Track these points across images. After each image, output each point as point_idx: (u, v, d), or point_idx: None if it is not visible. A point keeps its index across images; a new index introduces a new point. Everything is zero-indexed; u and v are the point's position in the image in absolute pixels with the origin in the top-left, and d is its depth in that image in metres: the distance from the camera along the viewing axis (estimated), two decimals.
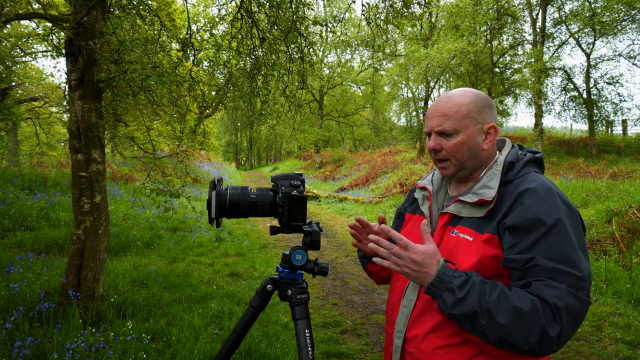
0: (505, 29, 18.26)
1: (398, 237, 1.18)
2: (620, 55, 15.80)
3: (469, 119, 1.28)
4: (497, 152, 1.36)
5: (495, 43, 18.54)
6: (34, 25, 12.77)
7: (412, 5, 4.75)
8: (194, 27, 14.12)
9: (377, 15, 5.03)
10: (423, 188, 1.49)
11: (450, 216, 1.31)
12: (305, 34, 4.97)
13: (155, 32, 5.28)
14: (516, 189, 1.22)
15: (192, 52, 5.23)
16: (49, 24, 4.41)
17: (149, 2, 5.55)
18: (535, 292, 1.09)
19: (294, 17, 4.68)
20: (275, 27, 4.78)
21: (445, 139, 1.30)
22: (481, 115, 1.30)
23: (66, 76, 3.61)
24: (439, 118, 1.30)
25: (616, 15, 13.73)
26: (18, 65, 13.85)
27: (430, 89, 19.90)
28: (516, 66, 19.73)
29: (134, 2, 4.64)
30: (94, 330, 3.18)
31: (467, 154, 1.30)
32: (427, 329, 1.26)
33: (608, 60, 16.04)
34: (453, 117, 1.28)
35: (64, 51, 3.54)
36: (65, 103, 16.53)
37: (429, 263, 1.16)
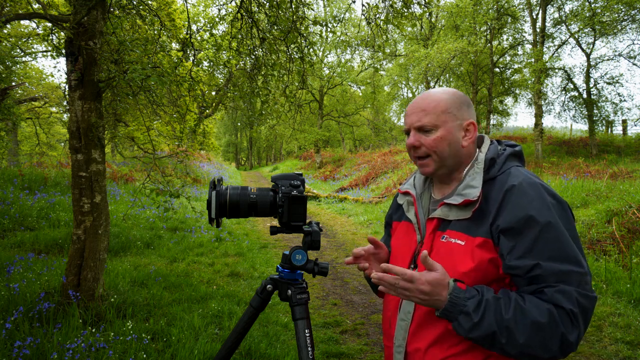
0: (505, 29, 18.27)
1: (401, 272, 1.13)
2: (620, 55, 15.81)
3: (447, 114, 1.28)
4: (477, 149, 1.34)
5: (495, 43, 18.55)
6: (34, 25, 12.77)
7: (412, 5, 4.75)
8: (194, 27, 14.13)
9: (377, 15, 5.03)
10: (406, 193, 1.45)
11: (438, 221, 1.28)
12: (305, 34, 4.97)
13: (155, 32, 5.28)
14: (501, 186, 1.21)
15: (192, 52, 5.23)
16: (49, 24, 4.41)
17: (149, 2, 5.55)
18: (550, 299, 1.08)
19: (294, 17, 4.68)
20: (275, 27, 4.78)
21: (424, 135, 1.28)
22: (460, 112, 1.29)
23: (66, 76, 3.61)
24: (418, 114, 1.29)
25: (616, 15, 13.73)
26: (18, 65, 13.86)
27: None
28: (516, 66, 19.75)
29: (134, 2, 4.64)
30: (94, 330, 3.18)
31: (447, 150, 1.28)
32: (428, 342, 1.23)
33: (608, 60, 16.05)
34: (432, 113, 1.27)
35: (64, 51, 3.54)
36: (65, 103, 16.53)
37: (439, 290, 1.12)
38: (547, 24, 15.81)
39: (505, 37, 19.09)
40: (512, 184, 1.19)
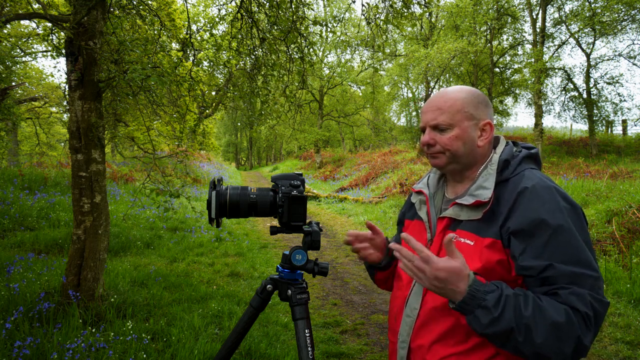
0: (505, 29, 18.27)
1: (419, 248, 1.09)
2: (620, 55, 15.81)
3: (463, 113, 1.27)
4: (492, 150, 1.33)
5: (495, 43, 18.54)
6: (34, 25, 12.77)
7: (412, 5, 4.75)
8: (194, 27, 14.12)
9: (377, 15, 5.03)
10: (419, 192, 1.45)
11: (449, 220, 1.28)
12: (305, 34, 4.97)
13: (155, 32, 5.28)
14: (514, 188, 1.20)
15: (192, 52, 5.23)
16: (49, 24, 4.41)
17: (149, 2, 5.55)
18: (565, 301, 1.07)
19: (294, 17, 4.68)
20: (275, 27, 4.78)
21: (439, 134, 1.28)
22: (477, 111, 1.28)
23: (66, 76, 3.61)
24: (434, 112, 1.29)
25: (616, 15, 13.74)
26: (18, 65, 13.85)
27: (430, 89, 19.90)
28: (516, 66, 19.74)
29: (134, 2, 4.64)
30: (94, 330, 3.18)
31: (462, 148, 1.27)
32: (432, 339, 1.23)
33: (608, 60, 16.07)
34: (447, 111, 1.27)
35: (64, 51, 3.54)
36: (65, 103, 16.52)
37: (455, 280, 1.08)
38: (547, 24, 15.81)
39: (505, 37, 19.09)
40: (525, 186, 1.18)
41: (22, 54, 13.76)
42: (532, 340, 1.05)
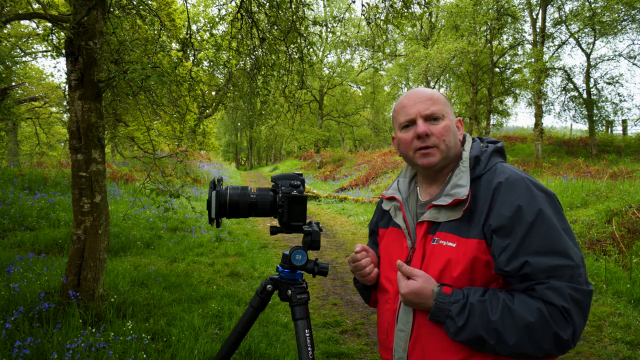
0: (505, 29, 18.28)
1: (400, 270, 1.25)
2: (620, 55, 15.81)
3: (447, 106, 1.31)
4: (462, 148, 1.33)
5: (495, 43, 18.55)
6: (34, 25, 12.76)
7: (412, 5, 4.75)
8: (194, 27, 14.11)
9: (377, 15, 5.03)
10: (391, 198, 1.41)
11: (428, 224, 1.26)
12: (305, 34, 4.97)
13: (155, 32, 5.28)
14: (489, 185, 1.19)
15: (192, 52, 5.23)
16: (49, 24, 4.41)
17: (149, 2, 5.55)
18: (541, 296, 1.07)
19: (294, 17, 4.68)
20: (275, 27, 4.78)
21: (433, 123, 1.26)
22: (451, 109, 1.33)
23: (66, 76, 3.61)
24: (425, 103, 1.27)
25: (616, 15, 13.74)
26: (18, 65, 13.84)
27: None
28: (516, 66, 19.76)
29: (134, 2, 4.64)
30: (94, 330, 3.18)
31: (452, 140, 1.28)
32: (431, 352, 1.20)
33: (608, 60, 16.06)
34: (438, 102, 1.28)
35: (64, 51, 3.54)
36: (65, 103, 16.52)
37: (420, 299, 1.17)
38: (547, 24, 15.82)
39: (505, 37, 19.11)
40: (499, 181, 1.18)
41: (22, 54, 13.78)
42: (504, 343, 1.07)
